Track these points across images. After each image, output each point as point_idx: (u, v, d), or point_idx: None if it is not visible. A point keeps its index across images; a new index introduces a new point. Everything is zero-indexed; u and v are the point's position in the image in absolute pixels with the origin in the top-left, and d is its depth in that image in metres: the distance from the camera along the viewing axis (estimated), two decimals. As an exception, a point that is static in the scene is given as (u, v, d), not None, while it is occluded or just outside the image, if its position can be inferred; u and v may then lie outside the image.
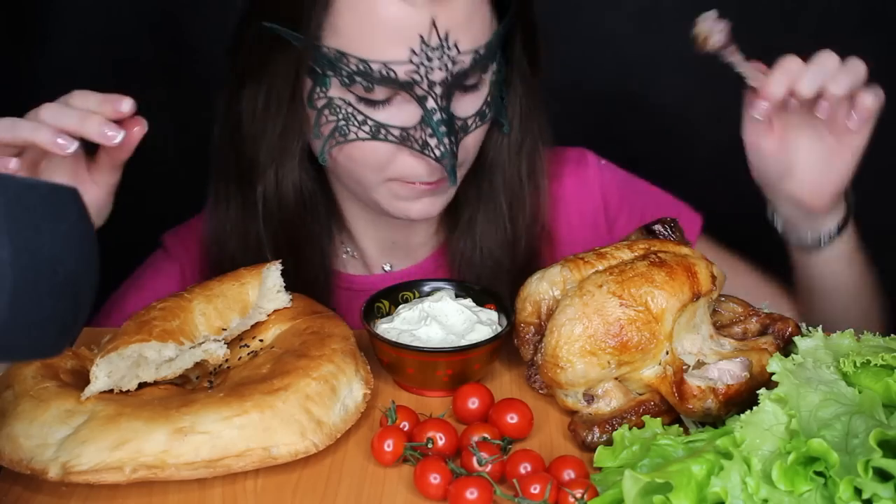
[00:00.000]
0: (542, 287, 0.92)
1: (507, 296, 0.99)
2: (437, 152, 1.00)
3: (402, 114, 1.00)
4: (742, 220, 1.86)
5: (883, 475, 0.65)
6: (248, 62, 1.05)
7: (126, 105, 0.89)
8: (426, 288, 1.02)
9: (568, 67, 1.69)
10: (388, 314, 0.99)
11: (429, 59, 0.96)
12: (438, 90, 0.98)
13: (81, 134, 0.87)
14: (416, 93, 0.98)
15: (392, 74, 0.97)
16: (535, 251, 1.18)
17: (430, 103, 0.98)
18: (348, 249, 1.23)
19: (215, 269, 1.11)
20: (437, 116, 0.99)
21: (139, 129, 0.91)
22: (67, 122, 0.87)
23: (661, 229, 0.96)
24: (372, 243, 1.22)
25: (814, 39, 1.70)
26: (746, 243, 1.85)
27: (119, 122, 0.89)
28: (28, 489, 0.80)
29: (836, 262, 1.07)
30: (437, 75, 0.98)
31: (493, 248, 1.16)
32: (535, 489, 0.75)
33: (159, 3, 1.75)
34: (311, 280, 1.14)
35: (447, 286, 1.02)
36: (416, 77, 0.97)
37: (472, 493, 0.75)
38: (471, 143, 1.06)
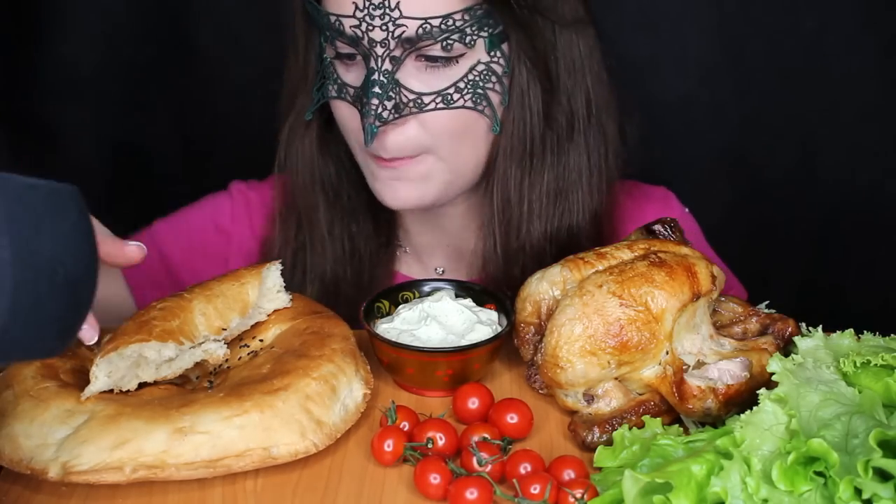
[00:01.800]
0: (542, 287, 0.92)
1: (506, 299, 0.98)
2: (364, 109, 1.00)
3: (359, 75, 1.03)
4: (741, 220, 1.86)
5: (883, 475, 0.65)
6: (292, 27, 1.11)
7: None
8: (426, 288, 1.02)
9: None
10: (388, 314, 0.99)
11: (371, 17, 0.98)
12: (379, 50, 0.99)
13: None
14: (361, 50, 1.01)
15: (341, 27, 1.00)
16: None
17: (371, 63, 1.00)
18: (402, 244, 1.24)
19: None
20: (374, 77, 1.00)
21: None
22: None
23: (661, 229, 0.96)
24: (423, 241, 1.22)
25: (814, 39, 1.70)
26: (745, 243, 1.86)
27: None
28: (28, 489, 0.80)
29: None
30: (378, 34, 0.99)
31: (486, 262, 1.13)
32: (535, 489, 0.75)
33: (159, 3, 1.75)
34: (367, 267, 1.17)
35: (447, 286, 1.02)
36: (358, 32, 0.99)
37: (472, 493, 0.75)
38: (433, 125, 1.03)
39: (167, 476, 0.77)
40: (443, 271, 1.23)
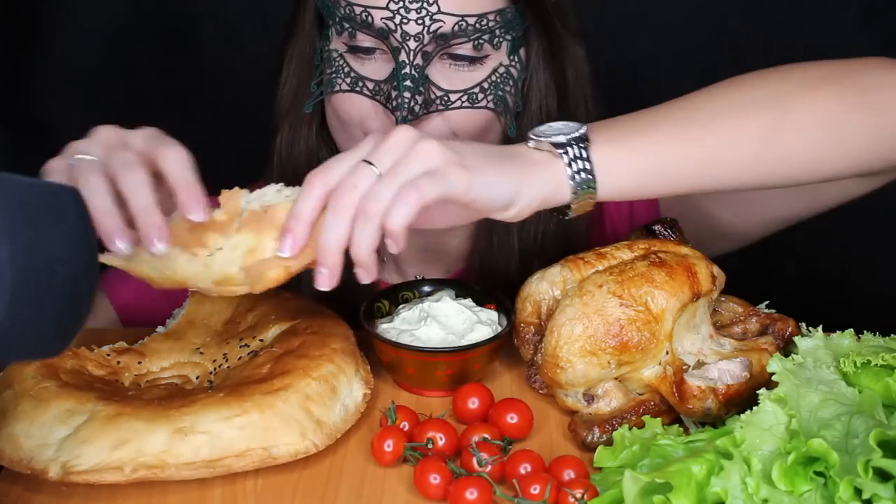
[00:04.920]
0: (542, 287, 0.92)
1: (506, 299, 0.98)
2: (395, 103, 0.98)
3: (380, 68, 1.02)
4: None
5: (883, 475, 0.65)
6: (288, 23, 1.10)
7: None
8: (426, 288, 1.02)
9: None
10: (388, 314, 0.99)
11: (406, 10, 0.97)
12: (412, 44, 0.98)
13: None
14: (391, 43, 0.99)
15: (370, 19, 0.98)
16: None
17: (402, 56, 0.99)
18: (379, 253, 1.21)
19: None
20: (405, 70, 0.99)
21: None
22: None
23: (661, 229, 0.96)
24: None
25: (814, 39, 1.70)
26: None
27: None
28: (28, 489, 0.80)
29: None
30: (413, 28, 0.98)
31: (503, 260, 1.14)
32: (535, 489, 0.75)
33: (160, 3, 1.75)
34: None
35: (447, 286, 1.02)
36: (391, 25, 0.98)
37: (472, 494, 0.75)
38: (457, 124, 1.03)
39: (167, 476, 0.77)
40: (422, 277, 1.22)
